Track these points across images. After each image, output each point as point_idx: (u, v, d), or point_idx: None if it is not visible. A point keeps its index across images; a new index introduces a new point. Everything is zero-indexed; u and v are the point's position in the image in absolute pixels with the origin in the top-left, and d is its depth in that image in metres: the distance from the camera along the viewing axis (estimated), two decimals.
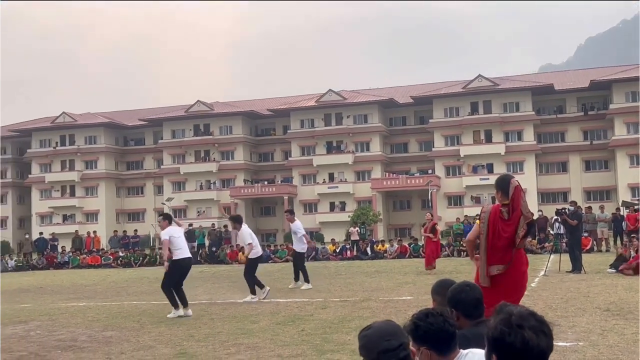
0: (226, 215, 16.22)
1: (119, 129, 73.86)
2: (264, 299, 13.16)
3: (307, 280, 15.49)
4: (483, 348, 3.26)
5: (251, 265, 13.82)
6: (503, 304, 2.34)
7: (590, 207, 29.85)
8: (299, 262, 16.13)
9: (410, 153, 67.09)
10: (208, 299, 14.07)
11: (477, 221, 6.66)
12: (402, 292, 14.03)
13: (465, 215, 39.69)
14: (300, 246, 16.13)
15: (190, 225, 36.85)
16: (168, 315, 11.19)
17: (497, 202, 6.53)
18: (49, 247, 36.71)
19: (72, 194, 71.79)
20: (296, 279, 15.87)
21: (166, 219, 11.98)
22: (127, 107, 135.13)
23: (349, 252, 30.15)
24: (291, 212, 17.12)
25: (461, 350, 2.93)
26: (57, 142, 72.69)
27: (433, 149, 63.71)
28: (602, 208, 28.83)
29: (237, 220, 14.09)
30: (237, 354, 7.65)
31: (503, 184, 6.42)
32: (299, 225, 16.29)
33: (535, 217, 30.16)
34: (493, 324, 2.22)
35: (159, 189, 70.67)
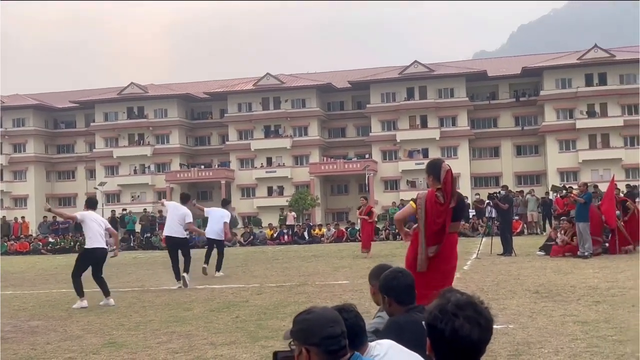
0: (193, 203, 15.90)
1: (49, 111, 71.60)
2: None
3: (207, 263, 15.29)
4: (415, 334, 3.25)
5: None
6: (448, 289, 2.28)
7: (521, 191, 30.71)
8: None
9: (348, 138, 67.43)
10: (140, 286, 13.76)
11: (411, 202, 6.63)
12: (338, 276, 14.06)
13: (402, 200, 40.21)
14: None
15: (124, 210, 36.02)
16: (73, 306, 10.73)
17: (429, 187, 6.53)
18: None
19: (0, 178, 69.30)
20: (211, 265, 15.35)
21: (86, 203, 11.64)
22: (57, 88, 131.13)
23: (286, 237, 30.10)
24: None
25: (369, 344, 2.91)
26: None
27: (370, 134, 64.20)
28: (532, 192, 29.67)
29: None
30: (169, 342, 7.48)
31: (434, 168, 6.40)
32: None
33: (468, 201, 30.53)
34: (430, 309, 2.18)
35: (91, 173, 68.99)
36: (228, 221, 15.79)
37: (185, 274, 12.96)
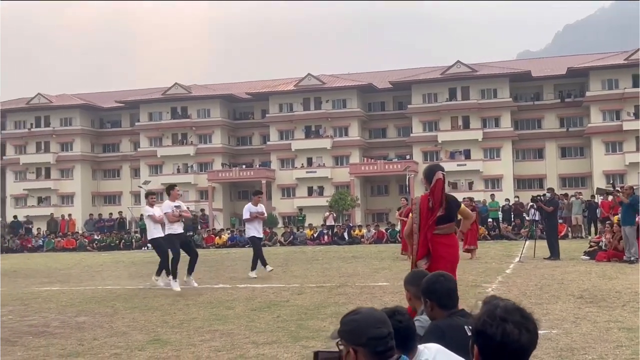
0: None
1: (95, 110, 73.05)
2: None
3: (254, 268, 14.73)
4: (457, 339, 3.27)
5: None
6: (492, 296, 2.33)
7: (566, 194, 30.18)
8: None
9: (389, 138, 67.19)
10: (183, 283, 13.96)
11: (411, 214, 6.74)
12: (378, 277, 14.06)
13: None
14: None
15: None
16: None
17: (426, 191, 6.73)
18: (23, 230, 36.29)
19: (47, 176, 71.01)
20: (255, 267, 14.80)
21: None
22: (103, 88, 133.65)
23: (326, 237, 30.17)
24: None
25: (419, 347, 2.93)
26: (32, 124, 71.77)
27: (411, 135, 63.86)
28: (577, 195, 29.09)
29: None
30: (212, 340, 7.60)
31: (429, 173, 6.64)
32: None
33: (507, 204, 29.77)
34: (478, 315, 2.23)
35: (136, 172, 70.13)
36: (244, 214, 15.18)
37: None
